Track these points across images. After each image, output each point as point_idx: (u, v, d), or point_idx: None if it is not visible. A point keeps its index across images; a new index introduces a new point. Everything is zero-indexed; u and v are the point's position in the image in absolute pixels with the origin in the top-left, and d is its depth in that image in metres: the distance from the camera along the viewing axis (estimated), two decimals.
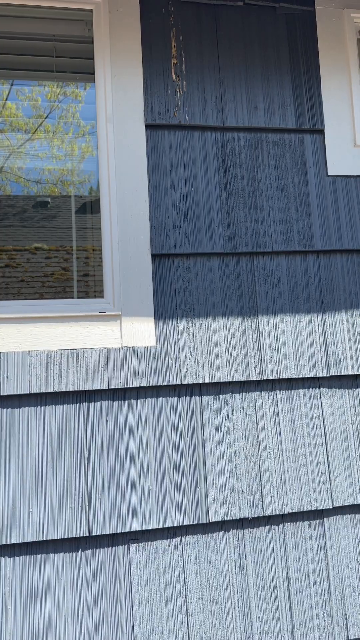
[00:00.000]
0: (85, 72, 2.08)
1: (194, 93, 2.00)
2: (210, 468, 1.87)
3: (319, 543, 1.90)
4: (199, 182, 1.98)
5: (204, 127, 2.00)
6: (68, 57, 2.17)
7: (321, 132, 2.08)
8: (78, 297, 2.30)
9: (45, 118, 2.35)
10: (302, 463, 1.93)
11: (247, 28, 2.08)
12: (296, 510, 1.90)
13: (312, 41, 2.13)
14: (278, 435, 1.94)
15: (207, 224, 1.97)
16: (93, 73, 1.99)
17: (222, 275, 1.97)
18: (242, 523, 1.87)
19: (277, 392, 1.96)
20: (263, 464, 1.91)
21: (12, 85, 2.23)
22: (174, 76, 1.99)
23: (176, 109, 1.98)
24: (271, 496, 1.89)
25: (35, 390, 1.77)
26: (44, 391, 1.77)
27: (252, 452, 1.91)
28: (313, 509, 1.91)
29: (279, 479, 1.91)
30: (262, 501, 1.89)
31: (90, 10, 2.00)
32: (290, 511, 1.89)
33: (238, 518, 1.86)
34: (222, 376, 1.91)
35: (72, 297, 2.26)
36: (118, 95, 1.93)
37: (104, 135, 1.92)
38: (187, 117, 1.98)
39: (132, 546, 1.79)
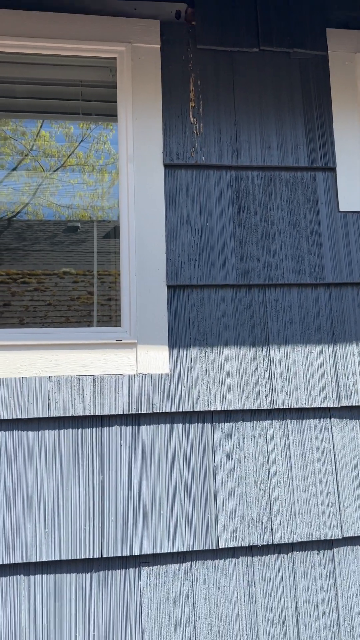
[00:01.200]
0: (108, 114, 2.22)
1: (210, 134, 2.11)
2: (220, 495, 1.91)
3: (328, 573, 1.92)
4: (214, 218, 2.07)
5: (219, 166, 2.10)
6: (93, 101, 2.32)
7: (333, 170, 2.16)
8: (97, 323, 2.40)
9: (77, 145, 2.50)
10: (312, 492, 1.96)
11: (262, 72, 2.20)
12: (305, 540, 1.92)
13: (324, 83, 2.23)
14: (288, 464, 1.97)
15: (221, 257, 2.05)
16: (116, 115, 2.12)
17: (235, 306, 2.04)
18: (251, 550, 1.90)
19: (288, 421, 2.00)
20: (273, 492, 1.94)
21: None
22: (191, 118, 2.11)
23: (193, 149, 2.09)
24: (281, 525, 1.92)
25: (53, 414, 1.86)
26: (62, 415, 1.86)
27: (263, 480, 1.95)
28: (322, 538, 1.93)
29: (288, 508, 1.94)
30: (272, 529, 1.92)
31: (114, 58, 2.14)
32: (300, 540, 1.92)
33: (247, 545, 1.89)
34: (234, 404, 1.96)
35: (92, 324, 2.36)
36: (139, 137, 2.06)
37: (124, 174, 2.04)
38: (203, 157, 2.09)
39: (143, 569, 1.84)
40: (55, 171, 2.48)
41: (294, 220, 2.12)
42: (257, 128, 2.15)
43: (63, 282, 2.71)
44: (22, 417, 1.84)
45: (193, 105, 2.13)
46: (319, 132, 2.18)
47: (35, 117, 2.42)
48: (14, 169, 2.45)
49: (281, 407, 1.99)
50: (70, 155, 2.49)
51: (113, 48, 2.12)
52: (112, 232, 2.65)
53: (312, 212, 2.13)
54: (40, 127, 2.39)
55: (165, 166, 2.07)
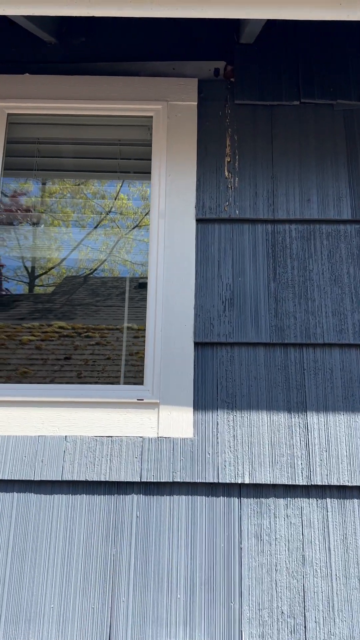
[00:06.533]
0: (146, 171, 2.21)
1: (245, 188, 2.04)
2: (246, 581, 1.69)
3: None
4: (247, 272, 1.96)
5: (254, 220, 2.00)
6: (132, 159, 2.34)
7: None
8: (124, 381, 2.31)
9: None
10: (354, 586, 1.69)
11: (303, 124, 2.12)
12: None
13: None
14: (327, 550, 1.72)
15: (253, 313, 1.92)
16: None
17: (268, 366, 1.88)
18: None
19: (328, 500, 1.77)
20: (308, 583, 1.69)
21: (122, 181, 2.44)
22: (226, 173, 2.05)
23: (227, 204, 2.01)
24: (316, 622, 1.66)
25: (67, 477, 1.75)
26: (76, 479, 1.75)
27: (296, 568, 1.70)
28: None
29: (325, 603, 1.67)
30: (305, 627, 1.65)
31: (151, 117, 2.15)
32: None
33: None
34: (265, 477, 1.77)
35: (119, 382, 2.26)
36: (171, 193, 2.02)
37: (155, 229, 2.00)
38: (237, 211, 2.00)
39: None
40: (131, 230, 2.50)
41: (335, 275, 1.96)
42: (296, 181, 2.05)
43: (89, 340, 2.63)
44: (35, 479, 1.75)
45: (229, 160, 2.07)
46: None
47: (77, 176, 2.48)
48: (95, 227, 2.51)
49: (319, 483, 1.77)
50: (146, 214, 2.52)
51: (150, 107, 2.14)
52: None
53: (355, 267, 1.96)
54: (119, 190, 2.45)
55: (198, 221, 2.00)
